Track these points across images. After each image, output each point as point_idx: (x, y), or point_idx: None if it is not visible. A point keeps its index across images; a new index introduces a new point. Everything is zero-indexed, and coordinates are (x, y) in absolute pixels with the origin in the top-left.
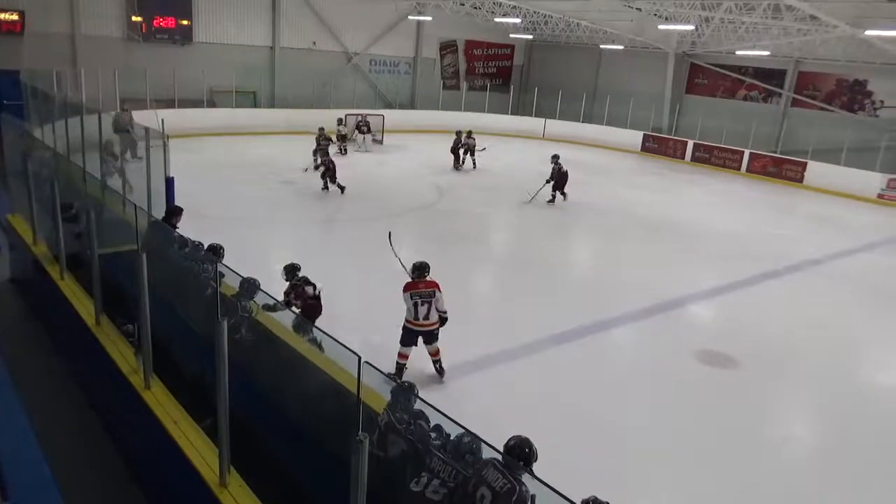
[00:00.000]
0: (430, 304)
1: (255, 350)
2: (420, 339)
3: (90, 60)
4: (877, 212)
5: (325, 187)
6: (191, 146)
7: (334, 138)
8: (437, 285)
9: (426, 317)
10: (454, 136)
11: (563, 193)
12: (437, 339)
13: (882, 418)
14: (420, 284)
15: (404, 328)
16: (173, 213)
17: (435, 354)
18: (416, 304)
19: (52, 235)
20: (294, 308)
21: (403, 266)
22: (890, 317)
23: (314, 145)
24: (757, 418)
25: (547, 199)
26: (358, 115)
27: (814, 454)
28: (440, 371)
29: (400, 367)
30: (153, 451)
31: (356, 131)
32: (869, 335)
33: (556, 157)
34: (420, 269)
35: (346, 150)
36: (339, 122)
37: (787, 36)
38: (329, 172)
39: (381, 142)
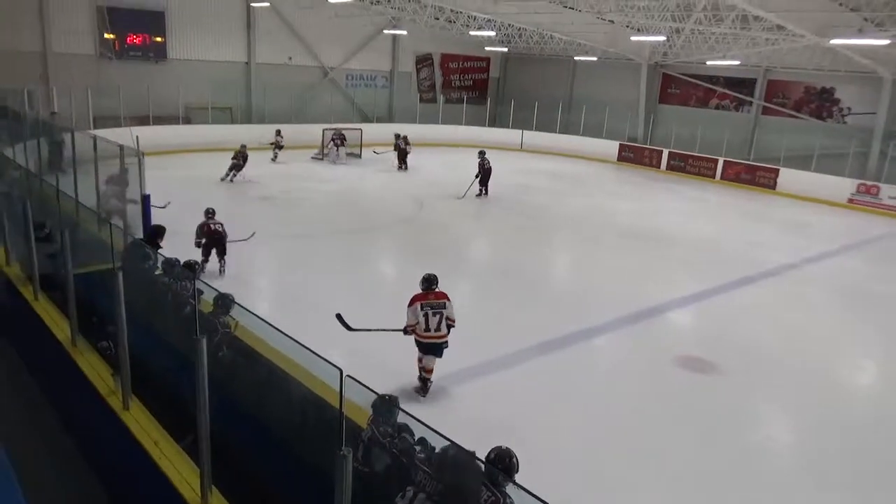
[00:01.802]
0: (441, 314)
1: (235, 366)
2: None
3: (62, 78)
4: (848, 216)
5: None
6: (166, 163)
7: (272, 149)
8: (447, 296)
9: (437, 328)
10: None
11: (485, 189)
12: (441, 356)
13: (859, 420)
14: (430, 295)
15: (417, 343)
16: (157, 232)
17: (429, 371)
18: (426, 316)
19: (26, 256)
20: (203, 240)
21: (381, 329)
22: (863, 319)
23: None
24: (738, 422)
25: (476, 194)
26: (334, 128)
27: (793, 457)
28: (423, 388)
29: (424, 381)
30: (133, 472)
31: (331, 144)
32: (844, 337)
33: (482, 153)
34: (428, 282)
35: (276, 157)
36: (278, 133)
37: (755, 46)
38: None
39: (359, 156)
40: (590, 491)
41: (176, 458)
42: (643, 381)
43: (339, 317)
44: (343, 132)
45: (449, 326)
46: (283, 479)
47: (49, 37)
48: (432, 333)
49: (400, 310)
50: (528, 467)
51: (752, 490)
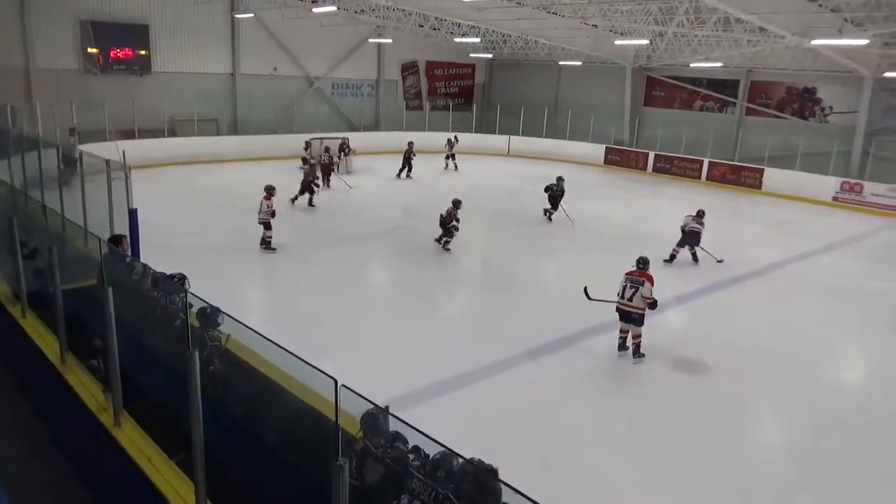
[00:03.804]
0: (636, 289)
1: (226, 380)
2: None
3: (46, 94)
4: (832, 214)
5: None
6: (153, 176)
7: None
8: (649, 277)
9: (630, 298)
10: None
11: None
12: (635, 322)
13: (851, 417)
14: (634, 273)
15: (616, 308)
16: (117, 241)
17: (636, 338)
18: (624, 286)
19: (13, 273)
20: None
21: (610, 300)
22: (851, 315)
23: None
24: (731, 422)
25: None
26: (321, 137)
27: (787, 456)
28: (634, 352)
29: (619, 341)
30: (126, 490)
31: (340, 154)
32: (832, 334)
33: (560, 179)
34: (638, 262)
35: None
36: (307, 146)
37: (738, 47)
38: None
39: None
40: (584, 494)
41: (169, 473)
42: (636, 383)
43: (585, 289)
44: (347, 139)
45: (648, 304)
46: (278, 492)
47: (32, 53)
48: (624, 301)
49: (392, 311)
50: (522, 470)
51: (749, 490)
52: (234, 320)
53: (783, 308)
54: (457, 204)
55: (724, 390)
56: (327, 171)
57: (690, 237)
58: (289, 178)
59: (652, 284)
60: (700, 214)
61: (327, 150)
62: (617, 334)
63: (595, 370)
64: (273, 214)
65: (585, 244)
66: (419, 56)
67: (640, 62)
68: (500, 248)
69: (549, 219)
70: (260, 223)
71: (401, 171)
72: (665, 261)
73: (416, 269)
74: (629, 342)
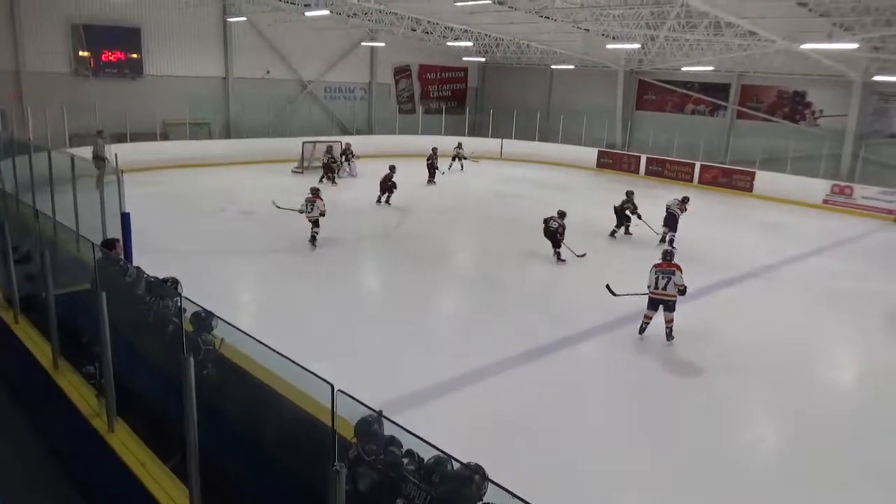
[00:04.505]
0: (668, 279)
1: (221, 384)
2: (661, 307)
3: (37, 97)
4: (823, 217)
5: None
6: (145, 180)
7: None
8: (678, 267)
9: (664, 288)
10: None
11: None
12: (670, 309)
13: (844, 415)
14: (663, 264)
15: (648, 297)
16: (110, 245)
17: (669, 322)
18: (657, 278)
19: (5, 278)
20: None
21: (633, 293)
22: (843, 317)
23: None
24: (726, 424)
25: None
26: (315, 141)
27: (783, 454)
28: (668, 335)
29: (643, 325)
30: (120, 495)
31: (342, 158)
32: (826, 336)
33: (630, 193)
34: (665, 255)
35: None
36: (334, 149)
37: (728, 51)
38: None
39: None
40: (583, 494)
41: (164, 479)
42: (629, 385)
43: (608, 286)
44: (350, 144)
45: (681, 291)
46: (273, 498)
47: (23, 56)
48: (658, 291)
49: (389, 315)
50: (520, 471)
51: (746, 490)
52: (228, 324)
53: (777, 310)
54: (562, 215)
55: (719, 391)
56: (329, 170)
57: (669, 219)
58: (284, 181)
59: (681, 272)
60: (685, 200)
61: (329, 150)
62: (638, 322)
63: (592, 371)
64: (323, 213)
65: (579, 246)
66: (412, 59)
67: (632, 66)
68: (496, 250)
69: (629, 233)
70: (309, 220)
71: (430, 178)
72: (660, 242)
73: (413, 270)
74: (657, 327)
